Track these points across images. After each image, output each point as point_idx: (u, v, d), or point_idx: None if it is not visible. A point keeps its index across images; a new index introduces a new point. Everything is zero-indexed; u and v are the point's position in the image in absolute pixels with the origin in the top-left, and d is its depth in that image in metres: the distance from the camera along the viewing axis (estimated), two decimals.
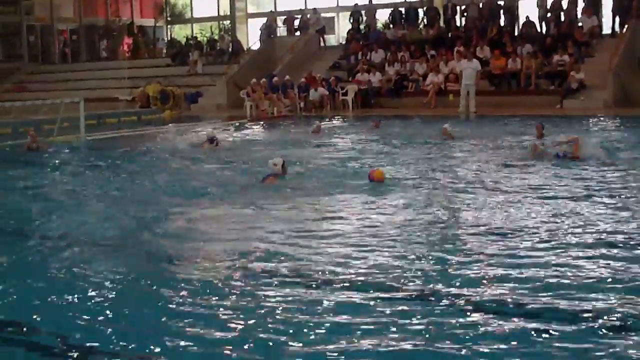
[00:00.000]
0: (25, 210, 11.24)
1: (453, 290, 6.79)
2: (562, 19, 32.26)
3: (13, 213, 11.24)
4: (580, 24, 31.16)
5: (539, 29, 32.93)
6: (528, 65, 29.11)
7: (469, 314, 6.20)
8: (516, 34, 33.07)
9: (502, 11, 33.99)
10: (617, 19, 31.51)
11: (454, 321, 5.98)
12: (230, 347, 5.66)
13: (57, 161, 17.60)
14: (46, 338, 6.06)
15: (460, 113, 27.62)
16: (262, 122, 27.53)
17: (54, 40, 49.02)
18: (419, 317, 6.11)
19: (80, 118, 23.16)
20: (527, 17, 33.15)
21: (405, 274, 7.29)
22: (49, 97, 27.56)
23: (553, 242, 8.26)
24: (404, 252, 8.08)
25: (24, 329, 6.28)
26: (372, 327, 5.92)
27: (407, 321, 6.01)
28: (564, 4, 32.31)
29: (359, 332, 5.82)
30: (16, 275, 7.80)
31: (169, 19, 52.17)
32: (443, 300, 6.54)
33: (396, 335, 5.72)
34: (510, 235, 8.73)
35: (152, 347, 5.75)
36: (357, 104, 31.20)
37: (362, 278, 7.24)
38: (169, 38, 50.43)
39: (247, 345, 5.68)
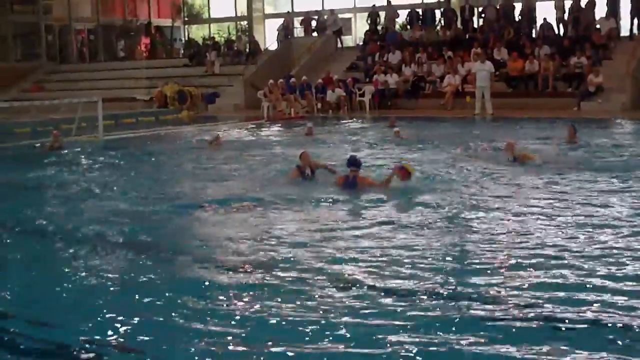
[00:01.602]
0: (46, 209, 11.35)
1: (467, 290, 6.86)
2: (580, 21, 32.16)
3: (34, 211, 11.33)
4: (598, 26, 31.09)
5: (556, 31, 32.85)
6: (545, 68, 29.03)
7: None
8: (534, 36, 32.96)
9: (519, 13, 33.88)
10: (636, 21, 31.42)
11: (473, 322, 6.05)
12: (246, 348, 5.73)
13: (77, 160, 17.75)
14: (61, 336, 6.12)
15: (476, 115, 27.61)
16: (279, 123, 27.59)
17: (71, 40, 49.18)
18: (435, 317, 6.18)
19: (99, 118, 23.23)
20: (545, 19, 33.03)
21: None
22: (67, 97, 27.68)
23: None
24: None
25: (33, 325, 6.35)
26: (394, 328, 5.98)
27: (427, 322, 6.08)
28: (582, 6, 32.20)
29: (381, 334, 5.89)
30: (33, 273, 7.90)
31: (186, 19, 52.31)
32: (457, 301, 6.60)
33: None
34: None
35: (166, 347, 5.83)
36: (374, 105, 31.19)
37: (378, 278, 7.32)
38: (187, 38, 50.52)
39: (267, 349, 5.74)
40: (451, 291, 6.91)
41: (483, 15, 34.86)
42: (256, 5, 46.51)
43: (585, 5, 32.11)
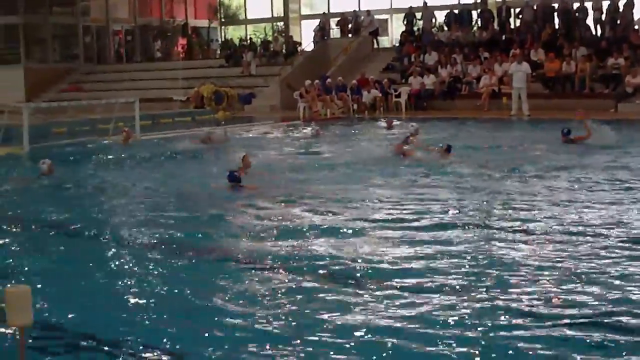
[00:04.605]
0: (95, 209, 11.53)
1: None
2: (618, 21, 31.89)
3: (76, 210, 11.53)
4: (636, 27, 30.81)
5: (594, 32, 32.60)
6: (582, 68, 28.84)
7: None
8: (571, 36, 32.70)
9: (556, 13, 33.64)
10: None
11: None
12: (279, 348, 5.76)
13: (115, 160, 17.95)
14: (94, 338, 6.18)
15: (512, 116, 27.46)
16: (314, 124, 27.59)
17: (109, 40, 49.53)
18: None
19: (135, 118, 23.37)
20: (583, 20, 32.75)
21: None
22: (104, 97, 27.90)
23: None
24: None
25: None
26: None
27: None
28: (620, 7, 31.93)
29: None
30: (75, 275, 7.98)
31: (222, 20, 52.42)
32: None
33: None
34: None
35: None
36: (410, 106, 31.12)
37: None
38: (223, 39, 50.67)
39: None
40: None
41: (520, 15, 34.65)
42: (292, 6, 46.53)
43: (624, 5, 31.85)
